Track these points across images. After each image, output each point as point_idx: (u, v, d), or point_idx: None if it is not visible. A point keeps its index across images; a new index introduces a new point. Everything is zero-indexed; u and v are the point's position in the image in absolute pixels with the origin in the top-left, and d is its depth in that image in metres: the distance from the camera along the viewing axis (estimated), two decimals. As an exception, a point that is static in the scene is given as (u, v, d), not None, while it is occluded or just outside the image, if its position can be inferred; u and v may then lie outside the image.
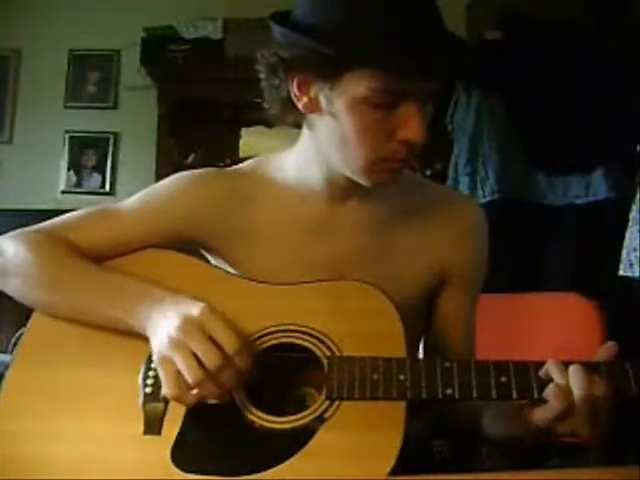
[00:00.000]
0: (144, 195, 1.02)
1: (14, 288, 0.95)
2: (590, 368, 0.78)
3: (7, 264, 0.95)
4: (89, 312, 0.91)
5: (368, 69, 0.81)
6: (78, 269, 0.93)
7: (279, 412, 0.84)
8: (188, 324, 0.79)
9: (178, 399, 0.80)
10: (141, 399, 0.85)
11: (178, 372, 0.78)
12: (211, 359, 0.77)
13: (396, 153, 0.87)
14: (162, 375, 0.80)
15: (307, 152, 0.96)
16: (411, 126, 0.84)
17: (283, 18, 0.89)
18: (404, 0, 0.82)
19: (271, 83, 0.90)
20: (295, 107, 0.89)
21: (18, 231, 0.98)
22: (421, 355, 1.08)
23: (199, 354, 0.77)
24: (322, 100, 0.86)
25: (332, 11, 0.83)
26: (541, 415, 0.78)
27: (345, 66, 0.82)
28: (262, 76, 0.92)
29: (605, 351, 0.81)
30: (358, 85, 0.83)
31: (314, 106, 0.88)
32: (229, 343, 0.78)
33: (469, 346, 1.05)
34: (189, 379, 0.78)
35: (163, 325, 0.82)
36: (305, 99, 0.88)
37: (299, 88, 0.87)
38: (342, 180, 0.94)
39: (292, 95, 0.88)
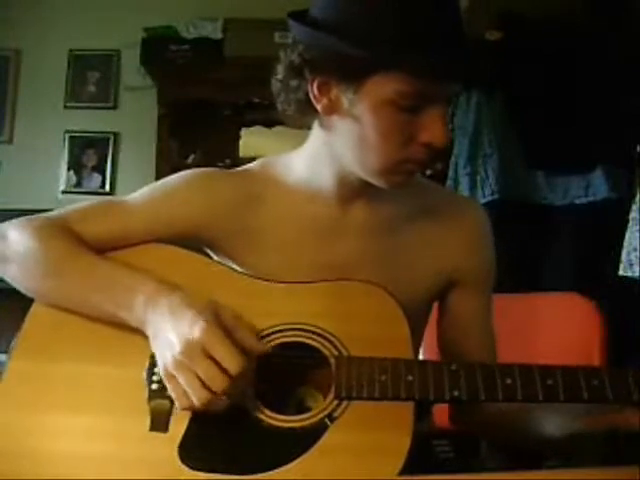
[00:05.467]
0: (151, 190, 1.01)
1: (13, 274, 0.95)
2: (592, 373, 0.78)
3: (7, 250, 0.94)
4: (83, 304, 0.90)
5: (397, 72, 0.81)
6: (76, 259, 0.92)
7: (282, 410, 0.83)
8: (191, 349, 0.78)
9: (188, 410, 0.80)
10: (147, 395, 0.85)
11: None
12: (216, 384, 0.77)
13: (416, 155, 0.87)
14: (170, 390, 0.80)
15: (318, 153, 0.96)
16: (435, 129, 0.84)
17: (301, 17, 0.88)
18: (431, 1, 0.82)
19: (289, 84, 0.89)
20: (311, 108, 0.88)
21: (22, 218, 0.97)
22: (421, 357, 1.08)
23: (204, 379, 0.77)
24: (344, 102, 0.86)
25: (360, 12, 0.82)
26: None
27: (374, 69, 0.82)
28: (279, 76, 0.91)
29: None
30: (385, 88, 0.82)
31: (334, 107, 0.87)
32: (233, 366, 0.77)
33: (489, 348, 1.03)
34: (194, 401, 0.78)
35: (164, 338, 0.81)
36: (325, 100, 0.87)
37: (319, 89, 0.87)
38: (353, 181, 0.94)
39: (311, 96, 0.88)
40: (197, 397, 0.77)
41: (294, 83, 0.88)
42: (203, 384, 0.77)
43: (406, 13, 0.80)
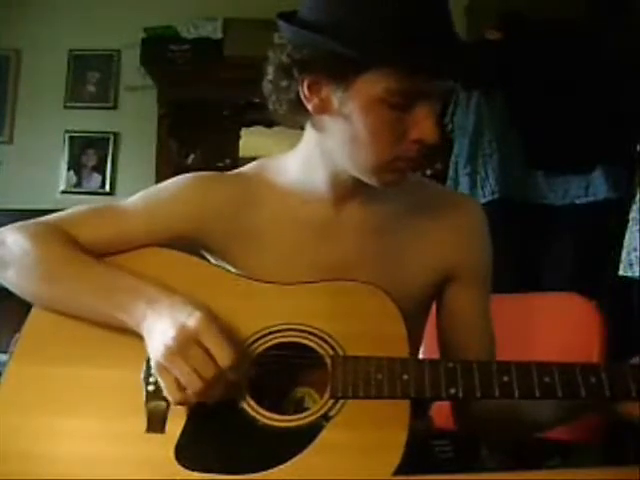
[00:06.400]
0: (148, 194, 1.02)
1: (11, 280, 0.95)
2: (590, 370, 0.78)
3: (5, 255, 0.94)
4: (81, 307, 0.90)
5: (386, 70, 0.81)
6: (74, 262, 0.92)
7: (279, 410, 0.84)
8: (184, 336, 0.79)
9: (180, 403, 0.81)
10: (144, 397, 0.85)
11: (177, 379, 0.79)
12: (206, 372, 0.78)
13: (407, 152, 0.87)
14: (161, 382, 0.81)
15: (311, 153, 0.96)
16: (425, 126, 0.84)
17: (290, 18, 0.88)
18: (420, 0, 0.83)
19: (279, 84, 0.89)
20: (302, 108, 0.89)
21: (20, 223, 0.97)
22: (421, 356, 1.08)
23: (195, 367, 0.78)
24: (334, 101, 0.86)
25: (349, 11, 0.82)
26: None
27: (363, 67, 0.82)
28: (269, 77, 0.91)
29: None
30: (375, 86, 0.83)
31: (325, 107, 0.87)
32: (222, 358, 0.78)
33: (487, 344, 1.03)
34: (189, 389, 0.78)
35: (158, 329, 0.82)
36: (316, 100, 0.87)
37: (309, 89, 0.87)
38: (347, 181, 0.94)
39: (301, 96, 0.88)
40: (191, 385, 0.78)
41: (284, 83, 0.89)
42: (194, 372, 0.78)
43: (395, 11, 0.81)
